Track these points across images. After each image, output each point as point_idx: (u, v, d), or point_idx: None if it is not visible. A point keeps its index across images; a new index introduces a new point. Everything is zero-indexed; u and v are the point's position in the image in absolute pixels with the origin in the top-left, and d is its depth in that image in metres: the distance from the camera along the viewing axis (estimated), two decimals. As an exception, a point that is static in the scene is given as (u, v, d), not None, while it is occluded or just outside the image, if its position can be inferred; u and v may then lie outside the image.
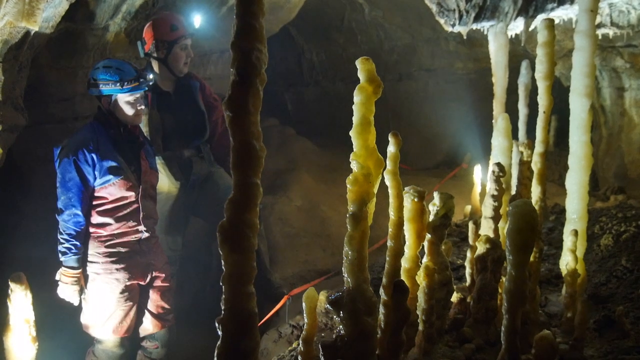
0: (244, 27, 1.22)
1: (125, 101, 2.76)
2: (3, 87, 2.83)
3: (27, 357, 1.75)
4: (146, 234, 2.87)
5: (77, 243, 2.67)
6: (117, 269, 2.77)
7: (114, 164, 2.72)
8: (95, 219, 2.75)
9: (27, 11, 2.42)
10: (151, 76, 2.99)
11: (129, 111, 2.78)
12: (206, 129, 3.69)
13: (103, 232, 2.76)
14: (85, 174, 2.67)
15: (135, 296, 2.87)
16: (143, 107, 2.87)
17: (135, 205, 2.82)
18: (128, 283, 2.81)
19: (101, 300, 2.77)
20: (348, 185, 1.44)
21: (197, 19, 3.82)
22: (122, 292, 2.79)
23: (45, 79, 3.98)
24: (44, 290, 2.63)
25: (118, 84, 2.71)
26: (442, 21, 3.67)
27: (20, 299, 1.73)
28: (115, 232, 2.78)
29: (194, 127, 3.65)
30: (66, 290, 2.70)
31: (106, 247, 2.76)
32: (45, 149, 4.18)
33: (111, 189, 2.73)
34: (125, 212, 2.80)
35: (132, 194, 2.80)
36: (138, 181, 2.83)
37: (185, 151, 3.63)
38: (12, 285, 1.72)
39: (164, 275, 2.99)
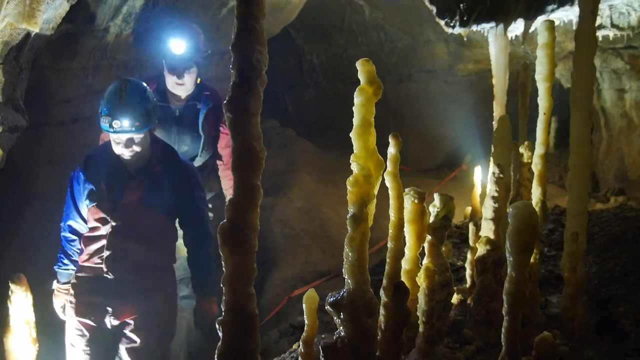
0: (244, 28, 1.23)
1: (113, 139, 2.48)
2: (3, 89, 2.83)
3: (27, 358, 1.75)
4: (110, 276, 2.50)
5: (65, 258, 2.62)
6: (75, 300, 2.53)
7: (92, 187, 2.52)
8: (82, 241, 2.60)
9: (28, 13, 2.42)
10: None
11: (115, 148, 2.50)
12: (197, 154, 3.42)
13: (81, 256, 2.59)
14: (74, 192, 2.58)
15: (94, 340, 2.52)
16: (134, 148, 2.49)
17: (102, 241, 2.51)
18: (80, 319, 2.52)
19: (67, 322, 2.59)
20: (348, 187, 1.44)
21: (179, 45, 3.20)
22: (77, 327, 2.52)
23: (46, 80, 3.98)
24: (45, 292, 2.63)
25: (107, 122, 2.40)
26: (442, 22, 3.67)
27: (21, 300, 1.72)
28: (83, 263, 2.55)
29: (187, 150, 3.40)
30: (54, 302, 2.66)
31: (77, 272, 2.60)
32: (45, 151, 4.20)
33: (89, 214, 2.55)
34: (93, 245, 2.53)
35: (100, 226, 2.52)
36: (111, 213, 2.50)
37: None
38: (12, 286, 1.72)
39: (135, 333, 2.52)
